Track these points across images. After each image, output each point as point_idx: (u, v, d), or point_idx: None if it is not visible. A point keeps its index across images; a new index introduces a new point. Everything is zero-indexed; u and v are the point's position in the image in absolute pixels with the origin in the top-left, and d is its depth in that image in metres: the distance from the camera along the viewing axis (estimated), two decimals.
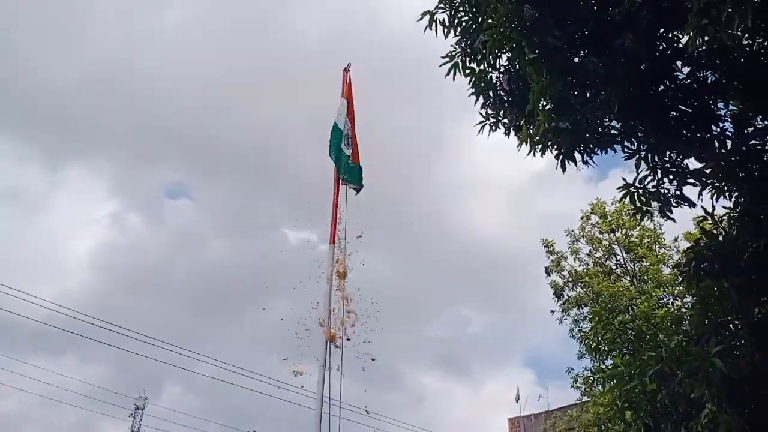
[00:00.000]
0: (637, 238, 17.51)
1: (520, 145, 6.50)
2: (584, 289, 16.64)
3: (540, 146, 6.15)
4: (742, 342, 4.93)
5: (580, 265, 17.85)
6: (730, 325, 5.24)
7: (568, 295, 17.04)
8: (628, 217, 16.65)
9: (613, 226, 17.53)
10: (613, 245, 17.72)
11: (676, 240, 17.03)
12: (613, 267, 17.61)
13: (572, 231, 18.24)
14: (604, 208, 18.07)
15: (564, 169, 6.03)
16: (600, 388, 10.98)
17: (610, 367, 6.49)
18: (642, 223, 16.39)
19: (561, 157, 5.98)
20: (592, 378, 11.33)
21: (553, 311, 17.05)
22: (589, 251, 17.98)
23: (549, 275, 17.75)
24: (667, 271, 15.99)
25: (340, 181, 8.57)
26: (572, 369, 14.52)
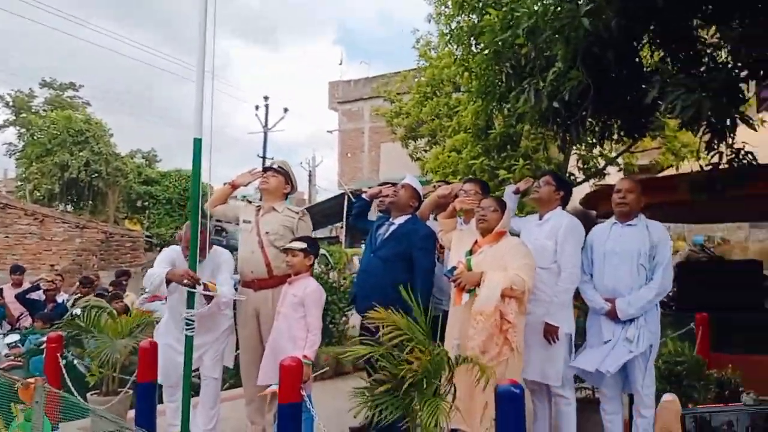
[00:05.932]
0: None
1: None
2: None
3: None
4: (608, 3, 5.09)
5: None
6: None
7: None
8: None
9: None
10: None
11: None
12: None
13: None
14: None
15: None
16: (446, 48, 11.13)
17: (483, 21, 6.67)
18: None
19: None
20: (449, 35, 10.66)
21: None
22: None
23: None
24: None
25: None
26: (417, 30, 15.30)
